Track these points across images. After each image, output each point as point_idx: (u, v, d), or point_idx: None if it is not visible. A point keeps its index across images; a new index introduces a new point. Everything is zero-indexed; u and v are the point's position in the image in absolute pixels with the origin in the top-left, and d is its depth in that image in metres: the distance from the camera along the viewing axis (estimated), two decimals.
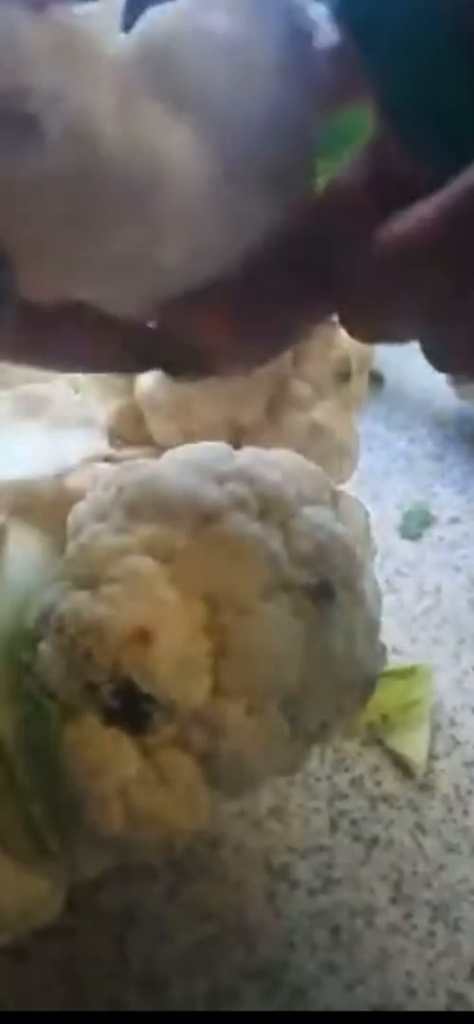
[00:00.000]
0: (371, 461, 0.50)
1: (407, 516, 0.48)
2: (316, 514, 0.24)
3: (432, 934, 0.32)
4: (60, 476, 0.26)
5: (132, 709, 0.21)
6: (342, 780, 0.36)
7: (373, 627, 0.25)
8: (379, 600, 0.26)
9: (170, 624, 0.22)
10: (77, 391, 0.30)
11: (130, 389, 0.29)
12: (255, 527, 0.23)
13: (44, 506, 0.26)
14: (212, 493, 0.23)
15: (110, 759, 0.22)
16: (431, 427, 0.54)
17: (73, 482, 0.25)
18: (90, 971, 0.30)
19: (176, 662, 0.21)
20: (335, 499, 0.26)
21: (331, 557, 0.24)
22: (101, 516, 0.24)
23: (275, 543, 0.23)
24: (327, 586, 0.23)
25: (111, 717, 0.21)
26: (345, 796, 0.35)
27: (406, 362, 0.58)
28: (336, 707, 0.24)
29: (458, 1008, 0.30)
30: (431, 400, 0.56)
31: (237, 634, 0.22)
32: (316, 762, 0.36)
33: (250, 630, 0.22)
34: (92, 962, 0.30)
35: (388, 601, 0.26)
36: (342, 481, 0.30)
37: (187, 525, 0.23)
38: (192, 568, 0.22)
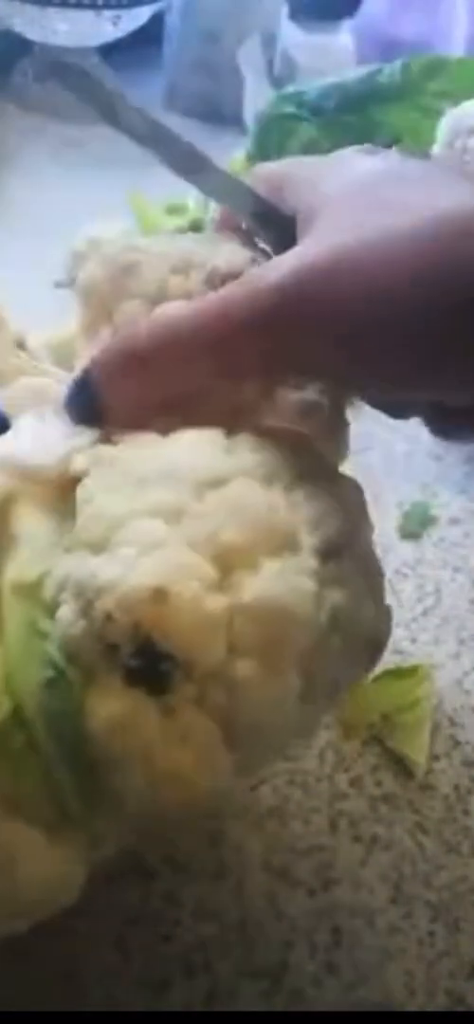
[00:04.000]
0: (371, 461, 0.50)
1: (407, 516, 0.48)
2: (317, 485, 0.25)
3: (432, 934, 0.32)
4: (64, 459, 0.26)
5: (152, 668, 0.22)
6: (342, 780, 0.36)
7: (378, 589, 0.26)
8: (381, 572, 0.26)
9: (184, 583, 0.22)
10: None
11: None
12: (261, 491, 0.24)
13: (50, 487, 0.26)
14: (218, 461, 0.24)
15: (131, 719, 0.22)
16: None
17: (77, 464, 0.26)
18: (90, 971, 0.30)
19: (192, 620, 0.22)
20: (334, 474, 0.27)
21: (335, 520, 0.24)
22: (109, 487, 0.24)
23: (281, 506, 0.24)
24: (333, 546, 0.24)
25: (131, 677, 0.22)
26: (345, 796, 0.35)
27: None
28: (346, 665, 0.24)
29: (458, 1008, 0.30)
30: None
31: (248, 592, 0.22)
32: (316, 762, 0.36)
33: (261, 588, 0.22)
34: (92, 962, 0.30)
35: (388, 601, 0.26)
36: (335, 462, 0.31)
37: (194, 490, 0.23)
38: (201, 530, 0.23)
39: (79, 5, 0.79)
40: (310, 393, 0.29)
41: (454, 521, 0.48)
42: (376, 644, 0.26)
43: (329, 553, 0.24)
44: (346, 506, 0.26)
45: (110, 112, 0.29)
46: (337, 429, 0.30)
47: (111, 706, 0.22)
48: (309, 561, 0.23)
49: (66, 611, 0.23)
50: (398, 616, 0.42)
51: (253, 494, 0.24)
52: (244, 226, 0.31)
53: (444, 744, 0.38)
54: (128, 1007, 0.29)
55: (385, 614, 0.26)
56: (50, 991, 0.29)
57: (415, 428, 0.54)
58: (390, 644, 0.26)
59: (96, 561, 0.23)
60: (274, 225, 0.30)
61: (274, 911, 0.32)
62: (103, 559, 0.23)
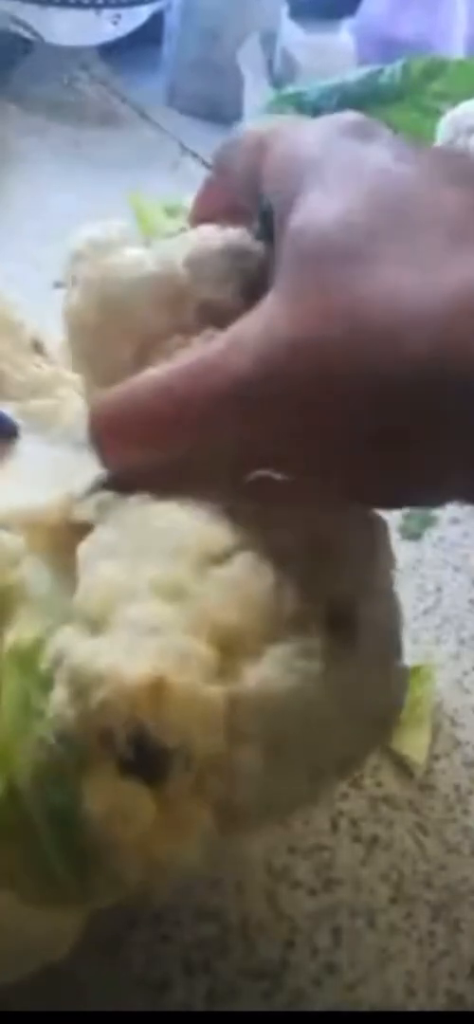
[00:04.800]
0: None
1: (407, 516, 0.48)
2: (330, 544, 0.24)
3: (432, 934, 0.32)
4: (66, 502, 0.25)
5: (148, 759, 0.21)
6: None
7: (394, 648, 0.25)
8: (398, 621, 0.25)
9: (183, 671, 0.21)
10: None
11: None
12: (265, 569, 0.23)
13: (51, 533, 0.25)
14: (219, 533, 0.23)
15: (128, 809, 0.21)
16: None
17: (81, 513, 0.25)
18: (90, 971, 0.29)
19: (191, 711, 0.21)
20: (348, 522, 0.25)
21: (346, 587, 0.23)
22: (108, 554, 0.23)
23: (287, 582, 0.23)
24: (343, 616, 0.23)
25: (127, 767, 0.21)
26: (345, 796, 0.35)
27: None
28: (359, 740, 0.24)
29: (458, 1008, 0.30)
30: None
31: (249, 679, 0.22)
32: None
33: (262, 674, 0.22)
34: (92, 962, 0.30)
35: None
36: None
37: (195, 566, 0.22)
38: (202, 611, 0.22)
39: (79, 5, 0.79)
40: None
41: (454, 521, 0.48)
42: (390, 716, 0.25)
43: (339, 624, 0.23)
44: (362, 559, 0.24)
45: None
46: None
47: (106, 794, 0.21)
48: (315, 641, 0.22)
49: (61, 693, 0.22)
50: None
51: (256, 573, 0.23)
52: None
53: (444, 744, 0.38)
54: (128, 1007, 0.29)
55: (400, 679, 0.25)
56: (51, 991, 0.29)
57: None
58: None
59: (93, 643, 0.22)
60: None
61: (274, 911, 0.32)
62: (100, 641, 0.22)
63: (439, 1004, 0.30)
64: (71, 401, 0.30)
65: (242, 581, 0.22)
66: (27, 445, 0.27)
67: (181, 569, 0.22)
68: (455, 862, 0.34)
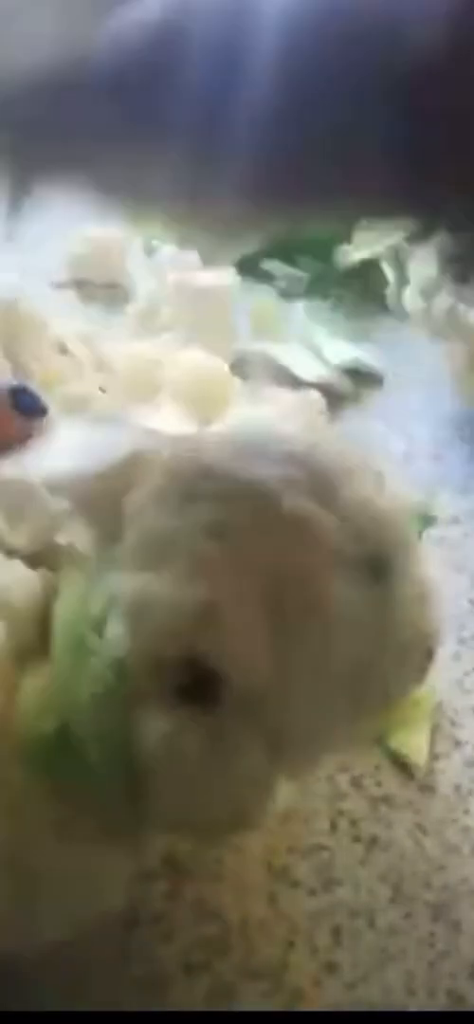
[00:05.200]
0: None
1: None
2: (365, 492, 0.25)
3: (432, 934, 0.32)
4: (109, 467, 0.26)
5: (202, 686, 0.22)
6: (342, 780, 0.36)
7: (427, 597, 0.26)
8: (431, 577, 0.26)
9: (235, 601, 0.22)
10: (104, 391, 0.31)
11: None
12: (310, 506, 0.24)
13: (95, 497, 0.26)
14: (265, 475, 0.24)
15: (180, 737, 0.22)
16: (431, 427, 0.54)
17: (123, 473, 0.26)
18: (90, 970, 0.29)
19: (243, 638, 0.22)
20: (380, 478, 0.27)
21: (384, 530, 0.24)
22: (158, 502, 0.24)
23: (329, 520, 0.24)
24: (384, 559, 0.24)
25: (181, 694, 0.22)
26: (345, 796, 0.35)
27: (406, 362, 0.58)
28: (396, 678, 0.24)
29: (458, 1008, 0.30)
30: (431, 400, 0.56)
31: (300, 611, 0.22)
32: None
33: (312, 606, 0.22)
34: (92, 961, 0.30)
35: None
36: None
37: (243, 506, 0.23)
38: (251, 547, 0.23)
39: None
40: None
41: (454, 521, 0.48)
42: (427, 653, 0.25)
43: (380, 565, 0.24)
44: (395, 508, 0.25)
45: None
46: None
47: (160, 724, 0.22)
48: (359, 575, 0.23)
49: (115, 627, 0.22)
50: None
51: (304, 512, 0.23)
52: None
53: (444, 744, 0.38)
54: (128, 1007, 0.29)
55: (435, 621, 0.26)
56: (50, 991, 0.29)
57: (415, 428, 0.54)
58: None
59: (147, 578, 0.22)
60: None
61: (274, 911, 0.32)
62: (153, 577, 0.22)
63: (439, 1004, 0.30)
64: (97, 392, 0.30)
65: (289, 519, 0.23)
66: (62, 427, 0.28)
67: (229, 511, 0.23)
68: (455, 862, 0.34)
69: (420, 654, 0.25)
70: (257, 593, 0.22)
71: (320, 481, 0.24)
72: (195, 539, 0.23)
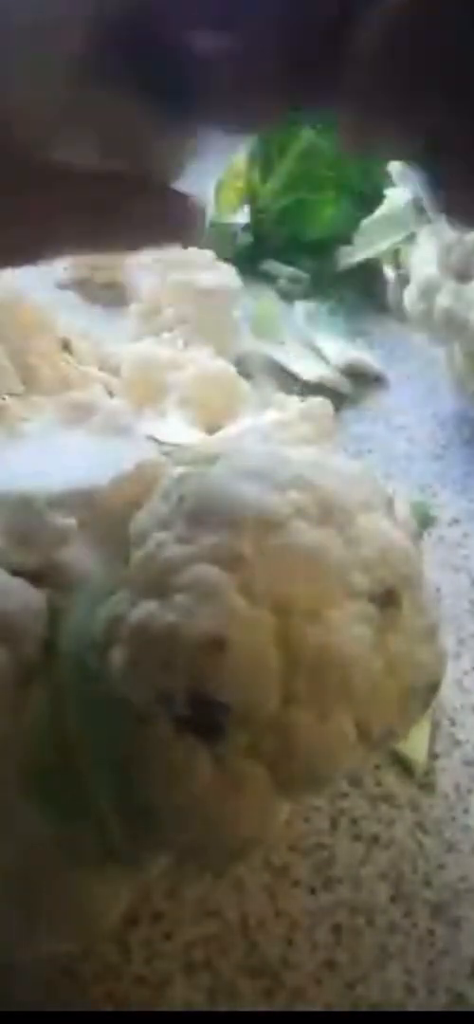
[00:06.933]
0: (371, 461, 0.50)
1: None
2: (374, 520, 0.25)
3: (432, 933, 0.32)
4: (114, 483, 0.26)
5: (205, 718, 0.21)
6: (342, 779, 0.36)
7: (434, 629, 0.26)
8: (436, 601, 0.26)
9: (242, 632, 0.21)
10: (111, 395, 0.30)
11: None
12: (319, 535, 0.23)
13: (99, 514, 0.26)
14: (274, 501, 0.23)
15: (183, 768, 0.21)
16: (431, 427, 0.54)
17: (128, 489, 0.25)
18: (91, 969, 0.30)
19: (249, 670, 0.21)
20: (389, 504, 0.26)
21: (393, 562, 0.24)
22: (163, 525, 0.24)
23: (338, 550, 0.23)
24: (392, 592, 0.24)
25: (184, 725, 0.21)
26: (345, 795, 0.35)
27: (406, 362, 0.58)
28: (401, 711, 0.24)
29: (458, 1007, 0.31)
30: (431, 400, 0.56)
31: (307, 642, 0.22)
32: None
33: (320, 638, 0.22)
34: (92, 960, 0.30)
35: None
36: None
37: (251, 534, 0.23)
38: (259, 577, 0.22)
39: None
40: None
41: (454, 521, 0.48)
42: (431, 687, 0.25)
43: (388, 598, 0.23)
44: (405, 538, 0.25)
45: None
46: None
47: (163, 753, 0.22)
48: (367, 608, 0.23)
49: (119, 654, 0.22)
50: None
51: (312, 540, 0.23)
52: None
53: (444, 744, 0.38)
54: (128, 1005, 0.29)
55: (440, 655, 0.26)
56: (50, 991, 0.29)
57: (415, 428, 0.54)
58: None
59: (152, 605, 0.22)
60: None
61: (274, 909, 0.32)
62: (158, 604, 0.22)
63: (439, 1003, 0.31)
64: (103, 395, 0.30)
65: (297, 549, 0.23)
66: (70, 436, 0.28)
67: (237, 537, 0.23)
68: (455, 861, 0.34)
69: (425, 688, 0.25)
70: (264, 623, 0.22)
71: (329, 508, 0.24)
72: (201, 567, 0.22)
